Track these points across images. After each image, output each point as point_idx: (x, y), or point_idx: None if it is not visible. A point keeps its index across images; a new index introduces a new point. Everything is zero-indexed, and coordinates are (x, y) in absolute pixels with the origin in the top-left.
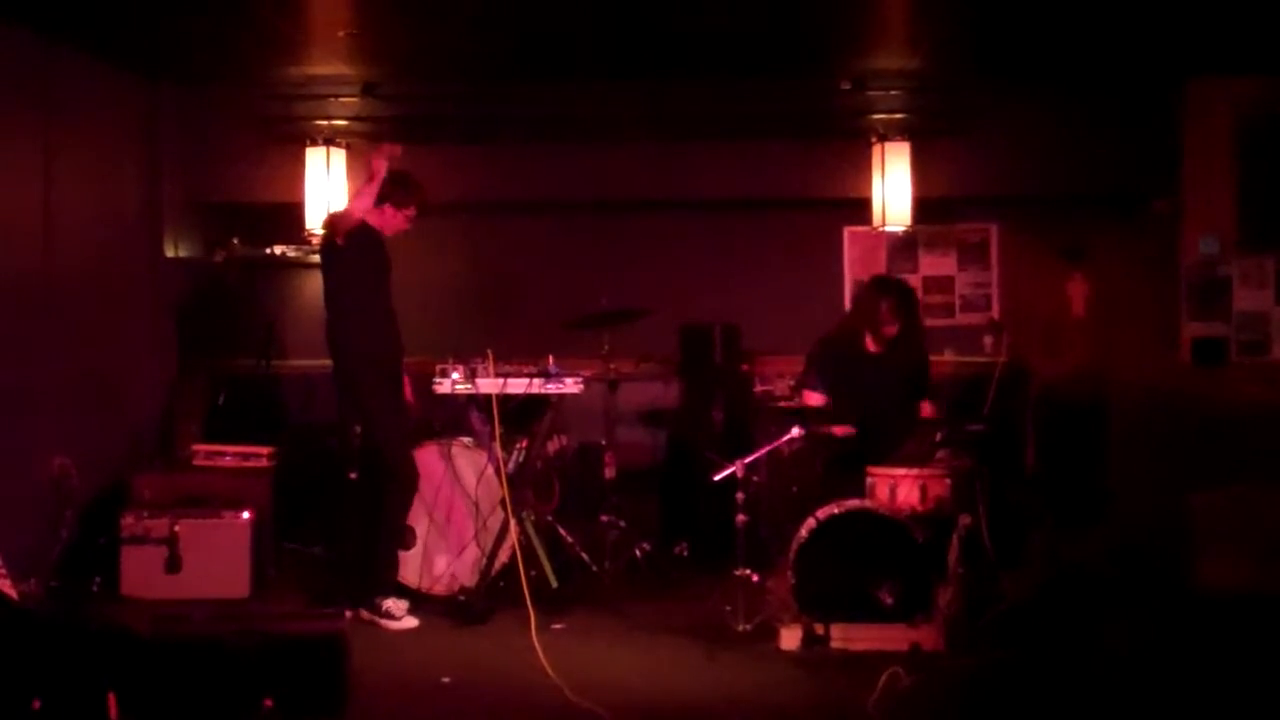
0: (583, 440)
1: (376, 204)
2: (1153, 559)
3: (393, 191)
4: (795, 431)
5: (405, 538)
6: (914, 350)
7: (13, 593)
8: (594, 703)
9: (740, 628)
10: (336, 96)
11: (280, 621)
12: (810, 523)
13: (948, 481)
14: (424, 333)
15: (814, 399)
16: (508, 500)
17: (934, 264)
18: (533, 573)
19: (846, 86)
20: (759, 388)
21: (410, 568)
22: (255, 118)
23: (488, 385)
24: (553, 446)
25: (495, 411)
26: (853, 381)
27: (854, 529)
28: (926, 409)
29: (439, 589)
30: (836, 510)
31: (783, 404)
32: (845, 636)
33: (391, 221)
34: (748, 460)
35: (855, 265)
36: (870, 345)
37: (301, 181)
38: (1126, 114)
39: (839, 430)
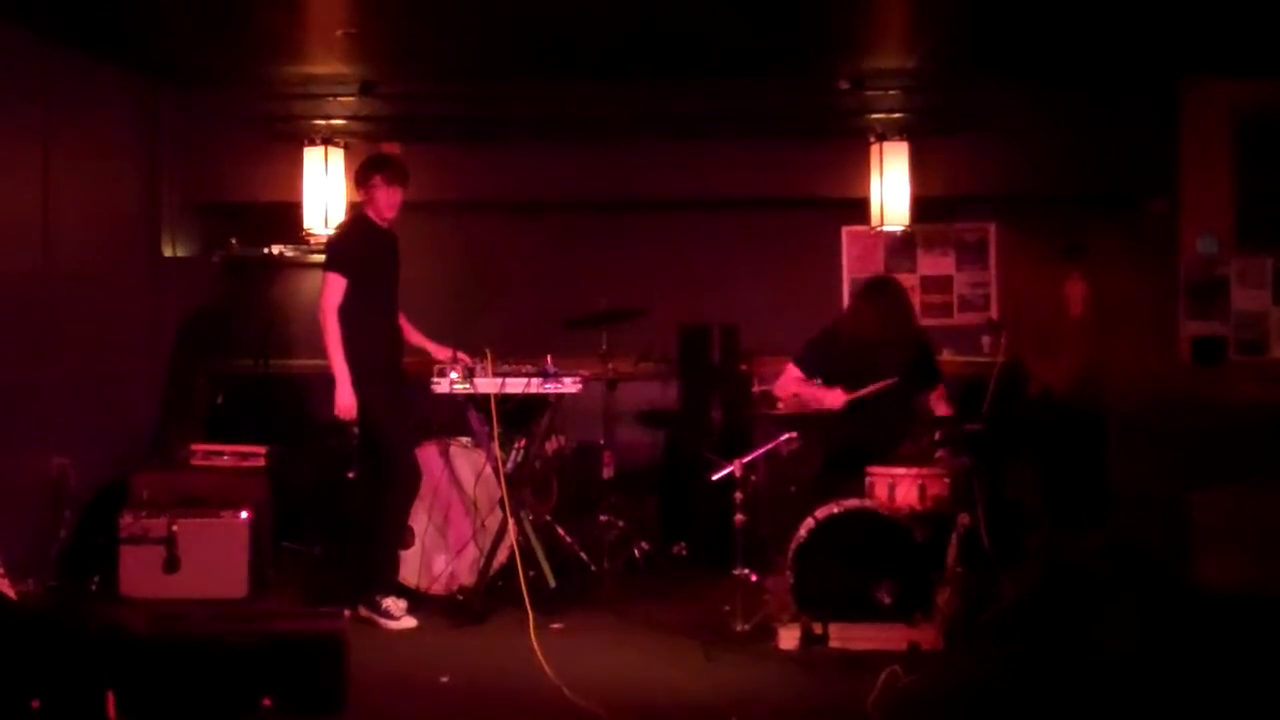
0: (581, 440)
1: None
2: (1151, 558)
3: (355, 177)
4: (793, 432)
5: (404, 537)
6: (916, 344)
7: (11, 592)
8: (592, 702)
9: (739, 627)
10: (335, 96)
11: (279, 621)
12: (809, 522)
13: (946, 481)
14: (422, 331)
15: (792, 374)
16: (506, 500)
17: (932, 263)
18: (531, 572)
19: (845, 86)
20: (757, 387)
21: (409, 567)
22: (254, 117)
23: (486, 385)
24: (551, 446)
25: (494, 411)
26: (853, 374)
27: (853, 528)
28: (942, 405)
29: (437, 588)
30: (835, 509)
31: (781, 405)
32: (844, 636)
33: (375, 203)
34: (746, 460)
35: (854, 265)
36: (878, 339)
37: (300, 181)
38: (1125, 114)
39: (830, 400)
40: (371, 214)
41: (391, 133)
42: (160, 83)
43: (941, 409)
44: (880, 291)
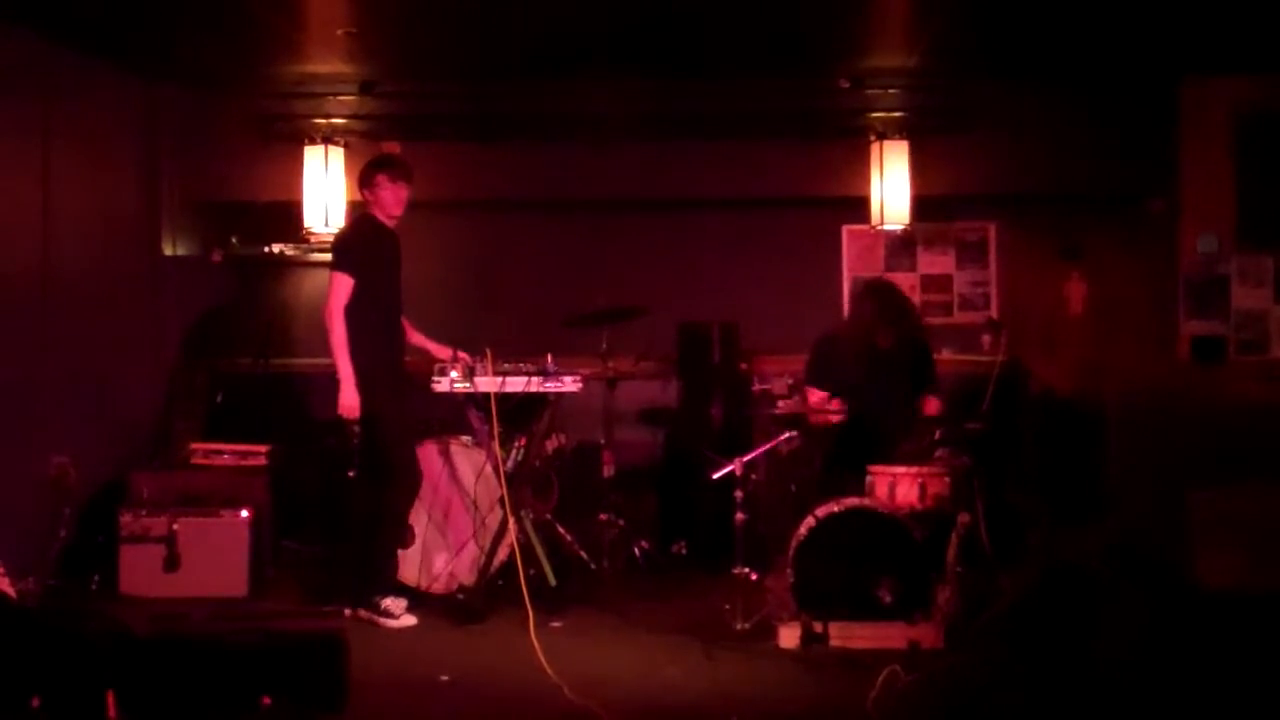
0: (581, 439)
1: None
2: (1151, 557)
3: (359, 177)
4: (793, 430)
5: (404, 536)
6: (915, 344)
7: (11, 591)
8: (592, 701)
9: (739, 626)
10: (335, 95)
11: (279, 620)
12: (809, 521)
13: (946, 480)
14: (423, 330)
15: (816, 396)
16: (506, 499)
17: (932, 262)
18: (531, 571)
19: (845, 85)
20: (757, 386)
21: (409, 566)
22: (254, 116)
23: (486, 384)
24: (551, 445)
25: (494, 410)
26: (853, 376)
27: (853, 527)
28: (934, 405)
29: (438, 587)
30: (836, 508)
31: (781, 404)
32: (844, 635)
33: (380, 203)
34: (746, 458)
35: (854, 264)
36: (879, 341)
37: (300, 180)
38: (1125, 113)
39: (835, 417)
40: (377, 213)
41: (391, 132)
42: (160, 83)
43: (931, 412)
44: (880, 294)
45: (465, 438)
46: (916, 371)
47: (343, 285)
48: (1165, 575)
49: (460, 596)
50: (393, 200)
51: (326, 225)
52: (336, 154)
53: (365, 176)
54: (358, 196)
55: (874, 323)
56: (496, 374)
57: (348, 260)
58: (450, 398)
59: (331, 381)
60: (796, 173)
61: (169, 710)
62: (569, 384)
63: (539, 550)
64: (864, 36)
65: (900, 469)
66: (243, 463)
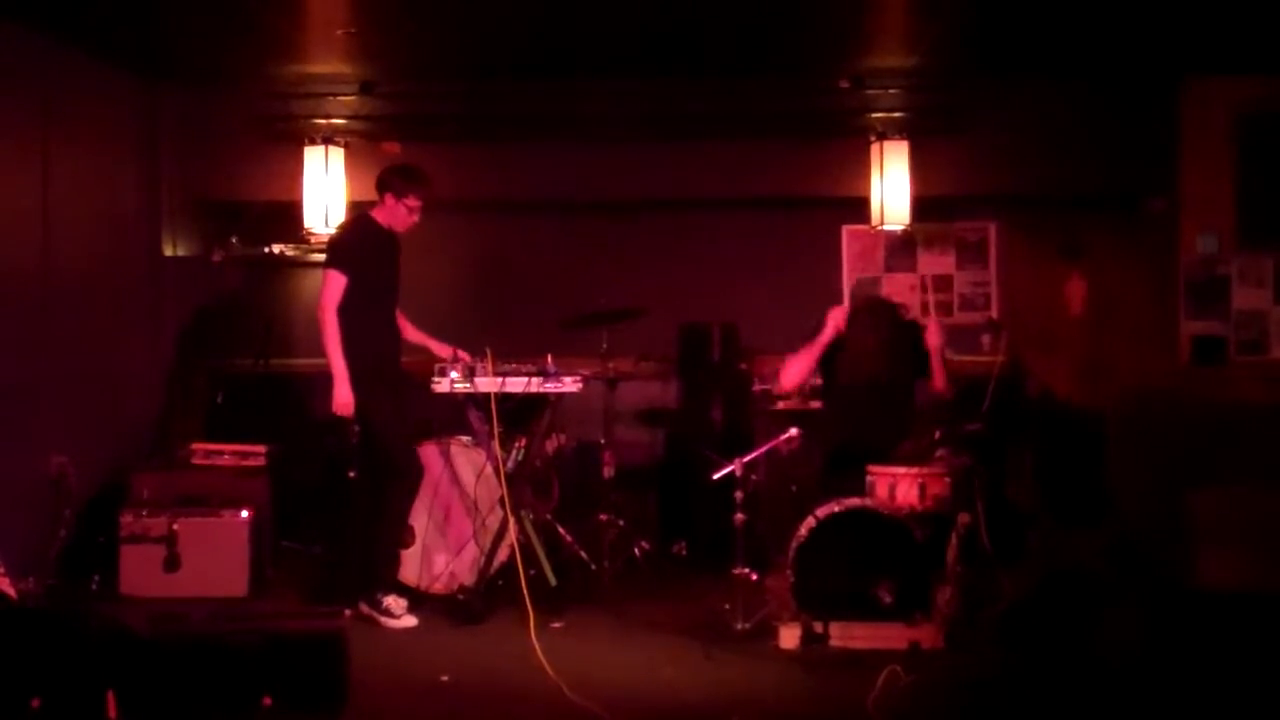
0: (581, 439)
1: (378, 194)
2: (1151, 557)
3: (391, 181)
4: (793, 431)
5: (404, 536)
6: (910, 340)
7: (12, 591)
8: (592, 701)
9: (739, 626)
10: (335, 95)
11: (279, 620)
12: (810, 521)
13: (947, 480)
14: (423, 330)
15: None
16: (506, 499)
17: (932, 263)
18: (531, 571)
19: (845, 85)
20: (757, 386)
21: (409, 566)
22: (254, 116)
23: (486, 384)
24: (551, 445)
25: (494, 410)
26: (851, 373)
27: (853, 527)
28: (940, 380)
29: (438, 587)
30: (836, 509)
31: (780, 405)
32: (844, 635)
33: (394, 214)
34: (746, 459)
35: (854, 264)
36: (873, 345)
37: (300, 180)
38: (1125, 113)
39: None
40: (380, 218)
41: (391, 132)
42: (160, 83)
43: (939, 386)
44: (868, 311)
45: (465, 438)
46: (910, 363)
47: (335, 283)
48: (1165, 575)
49: (460, 597)
50: (405, 221)
51: (327, 225)
52: (337, 154)
53: (399, 186)
54: (358, 197)
55: (865, 333)
56: (497, 374)
57: (341, 258)
58: (450, 398)
59: (331, 381)
60: (796, 173)
61: (169, 710)
62: (569, 384)
63: (539, 550)
64: (864, 36)
65: (900, 469)
66: (243, 463)
